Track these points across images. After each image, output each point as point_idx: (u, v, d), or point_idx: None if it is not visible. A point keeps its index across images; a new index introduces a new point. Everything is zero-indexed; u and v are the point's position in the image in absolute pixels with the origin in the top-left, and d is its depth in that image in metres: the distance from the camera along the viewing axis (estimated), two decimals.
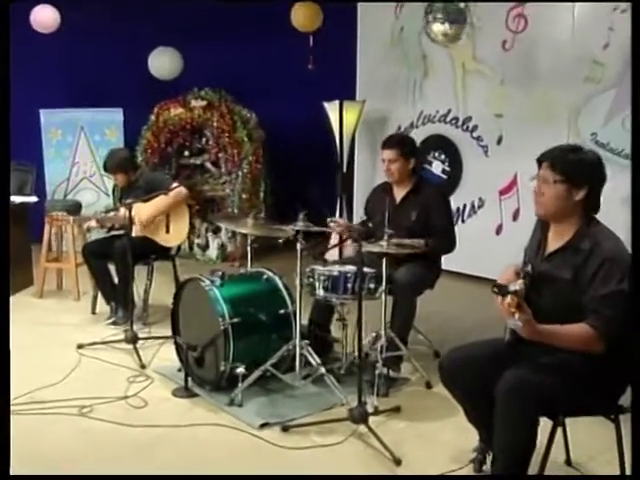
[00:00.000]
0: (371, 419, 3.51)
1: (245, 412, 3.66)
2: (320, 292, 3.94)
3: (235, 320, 3.76)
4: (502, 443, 2.55)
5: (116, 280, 5.14)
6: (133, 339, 4.48)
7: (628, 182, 5.52)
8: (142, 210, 5.13)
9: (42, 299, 5.81)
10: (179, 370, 4.09)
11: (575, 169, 2.60)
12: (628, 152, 5.51)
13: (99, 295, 5.31)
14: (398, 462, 3.15)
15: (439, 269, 4.39)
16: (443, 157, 6.81)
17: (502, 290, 2.37)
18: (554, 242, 2.70)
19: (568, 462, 3.14)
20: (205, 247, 7.29)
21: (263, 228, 4.27)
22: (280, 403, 3.79)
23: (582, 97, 5.68)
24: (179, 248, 5.43)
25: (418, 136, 6.91)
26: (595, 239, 2.55)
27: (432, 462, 3.14)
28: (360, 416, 3.37)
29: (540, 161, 2.68)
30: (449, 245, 4.28)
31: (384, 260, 3.84)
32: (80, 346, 4.55)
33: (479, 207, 6.51)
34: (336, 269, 3.94)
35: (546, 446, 2.60)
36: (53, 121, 7.45)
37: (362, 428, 3.38)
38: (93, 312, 5.40)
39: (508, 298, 2.34)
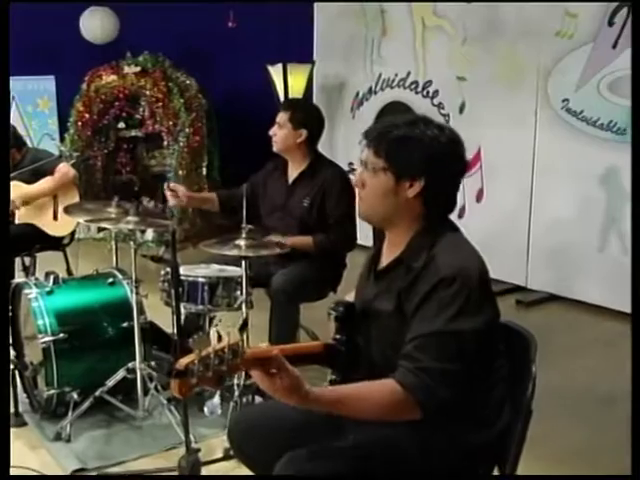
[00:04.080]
0: (219, 466, 2.81)
1: (67, 451, 2.96)
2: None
3: (60, 336, 3.05)
4: None
5: None
6: None
7: (604, 157, 4.68)
8: (24, 193, 4.44)
9: None
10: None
11: (405, 152, 1.79)
12: (604, 122, 4.60)
13: None
14: None
15: (338, 270, 3.59)
16: None
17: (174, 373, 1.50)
18: (387, 256, 1.91)
19: None
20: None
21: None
22: (117, 439, 3.08)
23: (552, 56, 4.76)
24: (72, 237, 4.72)
25: (377, 103, 6.09)
26: (433, 251, 1.76)
27: None
28: (189, 466, 2.64)
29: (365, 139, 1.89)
30: (343, 242, 3.46)
31: (243, 263, 3.05)
32: None
33: None
34: (195, 273, 3.20)
35: None
36: None
37: None
38: None
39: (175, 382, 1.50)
